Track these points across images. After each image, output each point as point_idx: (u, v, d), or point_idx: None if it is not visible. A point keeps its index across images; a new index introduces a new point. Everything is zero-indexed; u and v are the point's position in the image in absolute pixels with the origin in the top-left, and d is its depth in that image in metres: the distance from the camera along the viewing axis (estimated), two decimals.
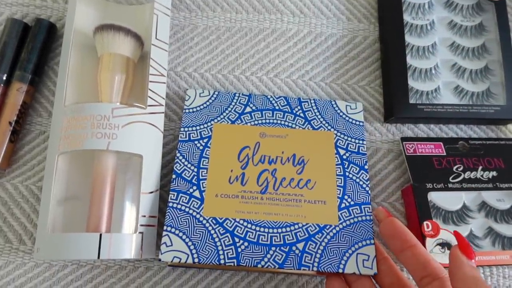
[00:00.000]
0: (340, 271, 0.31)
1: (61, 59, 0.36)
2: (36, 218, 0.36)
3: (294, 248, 0.32)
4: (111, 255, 0.30)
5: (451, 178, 0.37)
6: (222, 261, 0.31)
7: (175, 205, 0.33)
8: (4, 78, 0.37)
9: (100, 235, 0.30)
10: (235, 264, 0.31)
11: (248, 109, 0.37)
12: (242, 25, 0.43)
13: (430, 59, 0.41)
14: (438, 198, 0.37)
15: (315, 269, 0.31)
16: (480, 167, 0.38)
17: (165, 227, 0.32)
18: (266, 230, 0.32)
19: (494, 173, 0.38)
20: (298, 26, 0.43)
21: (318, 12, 0.44)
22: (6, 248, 0.35)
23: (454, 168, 0.38)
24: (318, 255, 0.31)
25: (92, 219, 0.31)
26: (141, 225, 0.32)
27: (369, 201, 0.34)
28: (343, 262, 0.31)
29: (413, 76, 0.41)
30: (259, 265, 0.31)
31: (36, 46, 0.38)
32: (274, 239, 0.32)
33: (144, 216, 0.32)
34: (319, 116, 0.37)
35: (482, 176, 0.37)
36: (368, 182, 0.35)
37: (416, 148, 0.38)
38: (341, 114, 0.38)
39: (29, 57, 0.38)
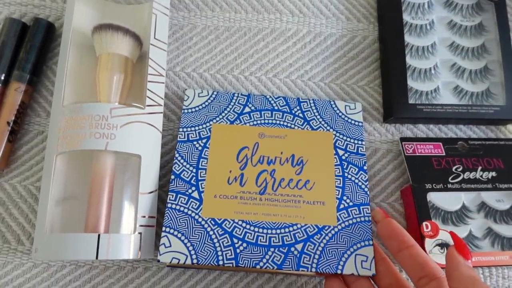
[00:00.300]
0: (339, 272, 0.31)
1: (60, 59, 0.36)
2: (34, 218, 0.36)
3: (292, 249, 0.32)
4: (110, 256, 0.30)
5: (450, 178, 0.37)
6: (220, 262, 0.31)
7: (173, 206, 0.33)
8: (2, 78, 0.37)
9: (99, 235, 0.30)
10: (234, 265, 0.31)
11: (247, 109, 0.37)
12: (241, 24, 0.43)
13: (429, 59, 0.41)
14: (437, 198, 0.36)
15: (313, 270, 0.31)
16: (480, 168, 0.38)
17: (163, 228, 0.32)
18: (265, 231, 0.32)
19: (494, 174, 0.38)
20: (297, 26, 0.43)
21: (317, 11, 0.44)
22: (4, 249, 0.35)
23: (454, 168, 0.38)
24: (316, 256, 0.31)
25: (91, 220, 0.31)
26: (140, 226, 0.32)
27: (368, 202, 0.34)
28: (341, 263, 0.31)
29: (412, 76, 0.40)
30: (258, 266, 0.31)
31: (34, 45, 0.38)
32: (273, 240, 0.32)
33: (143, 216, 0.32)
34: (318, 117, 0.37)
35: (481, 176, 0.37)
36: (367, 183, 0.35)
37: (415, 148, 0.38)
38: (340, 114, 0.38)
39: (27, 56, 0.38)
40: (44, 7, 0.42)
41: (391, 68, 0.40)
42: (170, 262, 0.31)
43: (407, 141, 0.38)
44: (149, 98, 0.35)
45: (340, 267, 0.31)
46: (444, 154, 0.38)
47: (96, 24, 0.35)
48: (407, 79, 0.40)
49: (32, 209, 0.36)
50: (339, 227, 0.33)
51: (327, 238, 0.32)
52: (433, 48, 0.42)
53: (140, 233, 0.32)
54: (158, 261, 0.31)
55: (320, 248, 0.32)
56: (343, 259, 0.31)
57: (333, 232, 0.32)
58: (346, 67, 0.42)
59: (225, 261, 0.31)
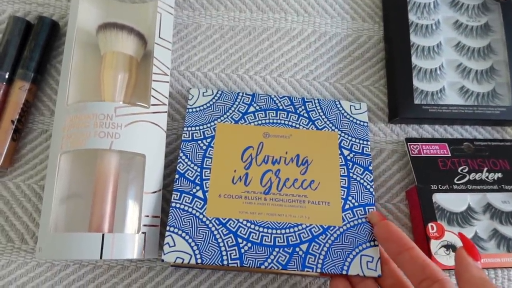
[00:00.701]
0: (344, 272, 0.31)
1: (64, 58, 0.36)
2: (38, 217, 0.36)
3: (297, 249, 0.31)
4: (114, 255, 0.30)
5: (456, 179, 0.37)
6: (225, 262, 0.31)
7: (178, 205, 0.33)
8: (7, 76, 0.37)
9: (103, 235, 0.30)
10: (239, 265, 0.31)
11: (251, 109, 0.37)
12: (245, 24, 0.42)
13: (435, 59, 0.41)
14: (443, 199, 0.36)
15: (319, 270, 0.31)
16: (485, 169, 0.38)
17: (168, 227, 0.32)
18: (270, 231, 0.32)
19: (499, 175, 0.37)
20: (302, 25, 0.43)
21: (322, 11, 0.43)
22: (8, 247, 0.35)
23: (459, 169, 0.37)
24: (322, 256, 0.31)
25: (95, 219, 0.31)
26: (144, 225, 0.32)
27: (373, 202, 0.34)
28: (347, 263, 0.31)
29: (418, 76, 0.40)
30: (263, 266, 0.31)
31: (38, 44, 0.38)
32: (278, 240, 0.32)
33: (147, 216, 0.32)
34: (323, 116, 0.37)
35: (487, 177, 0.37)
36: (372, 183, 0.35)
37: (420, 149, 0.38)
38: (345, 114, 0.37)
39: (31, 55, 0.38)
40: (48, 5, 0.41)
41: (396, 68, 0.40)
42: (174, 262, 0.31)
43: (413, 142, 0.38)
44: (154, 97, 0.35)
45: (345, 267, 0.31)
46: (449, 155, 0.38)
47: (101, 23, 0.35)
48: (412, 79, 0.40)
49: (36, 208, 0.36)
50: (344, 227, 0.33)
51: (332, 238, 0.32)
52: (439, 48, 0.41)
53: (144, 232, 0.32)
54: (162, 260, 0.31)
55: (325, 249, 0.32)
56: (349, 259, 0.31)
57: (338, 232, 0.32)
58: (351, 67, 0.42)
59: (230, 261, 0.31)
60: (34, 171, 0.37)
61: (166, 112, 0.36)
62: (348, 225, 0.33)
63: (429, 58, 0.41)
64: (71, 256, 0.30)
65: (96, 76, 0.35)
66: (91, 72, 0.36)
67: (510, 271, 0.36)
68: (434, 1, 0.43)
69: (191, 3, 0.43)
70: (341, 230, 0.32)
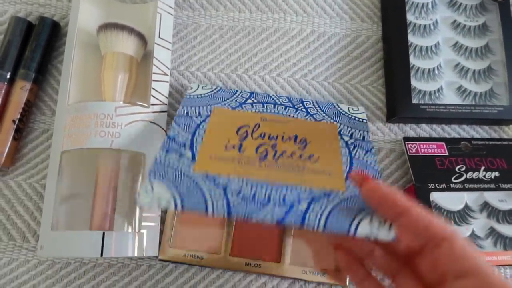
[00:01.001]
0: (352, 233, 0.25)
1: (65, 58, 0.37)
2: (40, 216, 0.36)
3: (295, 207, 0.27)
4: (114, 253, 0.30)
5: (453, 178, 0.37)
6: (210, 210, 0.26)
7: (162, 161, 0.29)
8: (8, 76, 0.37)
9: (103, 233, 0.30)
10: (226, 215, 0.26)
11: (249, 101, 0.37)
12: (245, 24, 0.43)
13: (433, 59, 0.41)
14: (440, 198, 0.37)
15: (321, 229, 0.26)
16: (483, 168, 0.38)
17: (148, 175, 0.27)
18: (264, 190, 0.28)
19: (497, 174, 0.38)
20: (301, 26, 0.43)
21: (321, 11, 0.44)
22: (9, 246, 0.35)
23: (457, 168, 0.38)
24: (325, 214, 0.26)
25: (95, 217, 0.31)
26: (144, 224, 0.32)
27: (379, 178, 0.31)
28: (355, 222, 0.25)
29: (416, 76, 0.41)
30: (254, 218, 0.26)
31: (39, 44, 0.38)
32: (273, 199, 0.27)
33: (147, 214, 0.33)
34: (321, 112, 0.37)
35: (484, 176, 0.37)
36: (376, 162, 0.32)
37: (418, 148, 0.38)
38: (343, 113, 0.38)
39: (32, 55, 0.38)
40: (49, 6, 0.42)
41: (394, 68, 0.40)
42: (151, 205, 0.26)
43: (410, 141, 0.39)
44: (154, 97, 0.35)
45: (353, 227, 0.25)
46: (447, 154, 0.38)
47: (101, 23, 0.36)
48: (410, 79, 0.40)
49: (37, 206, 0.36)
50: (349, 194, 0.28)
51: (336, 200, 0.28)
52: (437, 48, 0.42)
53: (144, 231, 0.32)
54: (135, 203, 0.28)
55: (328, 208, 0.27)
56: (357, 218, 0.26)
57: (342, 197, 0.28)
58: (350, 67, 0.42)
59: (216, 211, 0.26)
60: (35, 170, 0.37)
61: (166, 111, 0.36)
62: (352, 193, 0.28)
63: (427, 58, 0.41)
64: (72, 254, 0.30)
65: (97, 76, 0.35)
66: (91, 72, 0.36)
67: (506, 269, 0.37)
68: (432, 1, 0.43)
69: (191, 4, 0.43)
70: (345, 195, 0.28)
